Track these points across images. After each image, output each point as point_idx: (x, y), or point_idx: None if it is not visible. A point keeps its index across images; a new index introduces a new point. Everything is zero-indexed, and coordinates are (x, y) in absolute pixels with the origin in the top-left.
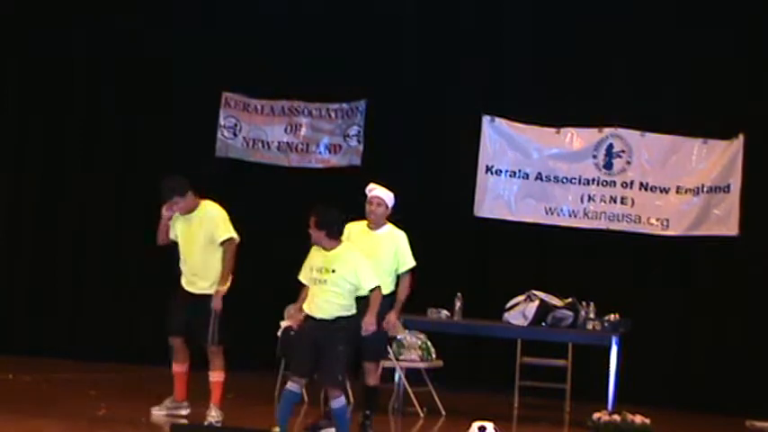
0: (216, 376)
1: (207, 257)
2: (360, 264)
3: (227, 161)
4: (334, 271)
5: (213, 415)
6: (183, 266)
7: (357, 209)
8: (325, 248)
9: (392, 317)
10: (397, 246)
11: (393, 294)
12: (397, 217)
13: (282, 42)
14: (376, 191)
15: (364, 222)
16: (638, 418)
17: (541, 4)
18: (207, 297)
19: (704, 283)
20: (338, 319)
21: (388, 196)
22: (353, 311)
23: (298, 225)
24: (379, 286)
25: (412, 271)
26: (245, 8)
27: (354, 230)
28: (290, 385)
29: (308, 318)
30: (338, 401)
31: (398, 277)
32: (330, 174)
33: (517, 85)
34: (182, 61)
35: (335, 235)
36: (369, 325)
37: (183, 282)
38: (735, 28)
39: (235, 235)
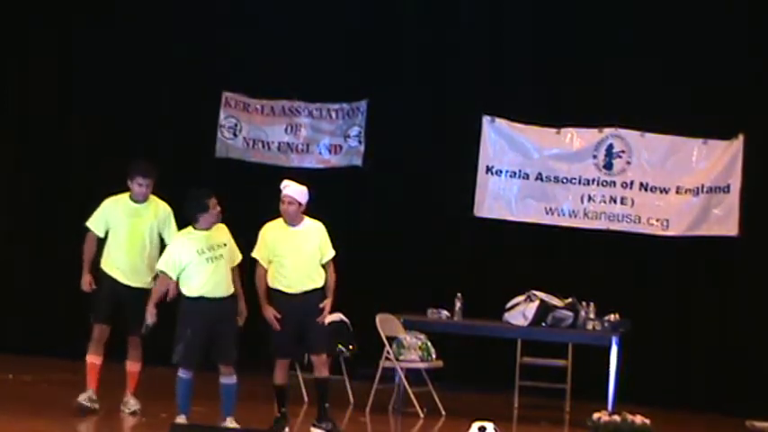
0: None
1: None
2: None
3: (227, 161)
4: (225, 245)
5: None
6: None
7: (358, 209)
8: (210, 228)
9: (327, 305)
10: (319, 238)
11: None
12: (398, 217)
13: (283, 42)
14: (287, 189)
15: (280, 220)
16: (638, 418)
17: (541, 4)
18: None
19: (704, 283)
20: (232, 295)
21: (299, 193)
22: None
23: None
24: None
25: (333, 260)
26: (245, 8)
27: (273, 228)
28: (185, 374)
29: (202, 299)
30: (233, 378)
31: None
32: (331, 174)
33: (517, 85)
34: (182, 61)
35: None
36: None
37: None
38: (735, 27)
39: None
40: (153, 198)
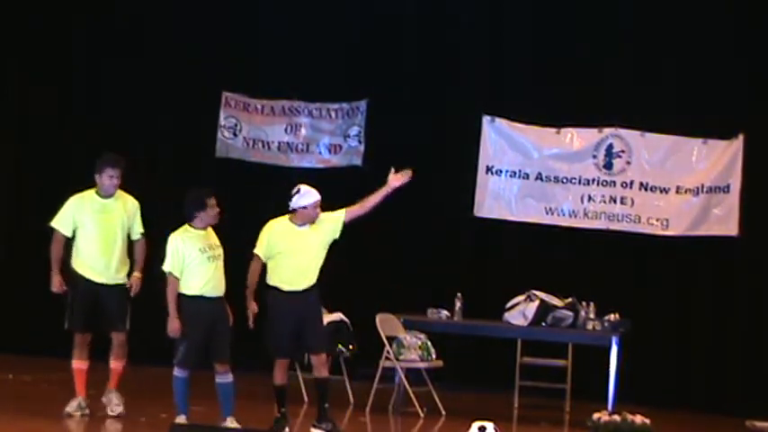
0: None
1: None
2: None
3: (227, 161)
4: (220, 245)
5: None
6: None
7: None
8: (205, 228)
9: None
10: (324, 229)
11: (318, 284)
12: (398, 217)
13: (283, 42)
14: (315, 194)
15: (286, 218)
16: (638, 418)
17: (541, 4)
18: None
19: (704, 283)
20: (223, 295)
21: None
22: None
23: None
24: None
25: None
26: (245, 8)
27: (279, 227)
28: (181, 373)
29: (201, 299)
30: (229, 376)
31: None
32: (330, 174)
33: (517, 85)
34: (182, 61)
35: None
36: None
37: None
38: (735, 27)
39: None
40: (120, 192)
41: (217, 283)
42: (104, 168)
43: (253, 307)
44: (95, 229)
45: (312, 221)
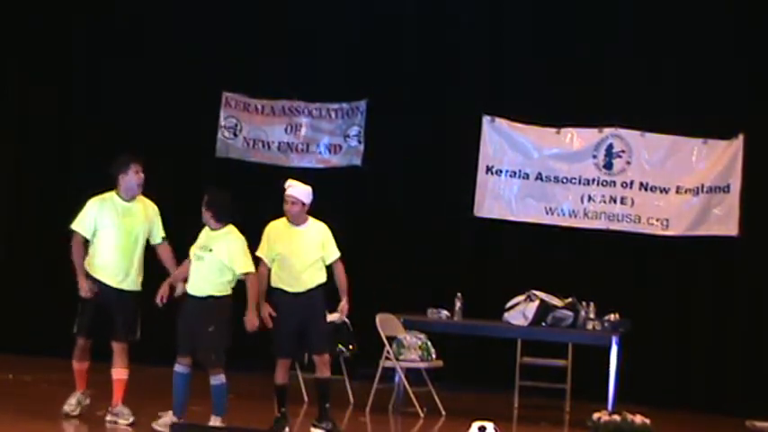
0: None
1: None
2: (236, 246)
3: (227, 161)
4: (211, 250)
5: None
6: None
7: (358, 209)
8: (210, 228)
9: (344, 305)
10: (321, 238)
11: (325, 285)
12: (398, 217)
13: (283, 42)
14: (291, 189)
15: (284, 219)
16: (638, 418)
17: (541, 4)
18: None
19: (704, 283)
20: (209, 297)
21: (303, 193)
22: (227, 293)
23: None
24: (252, 273)
25: (341, 259)
26: (245, 8)
27: (276, 227)
28: (177, 367)
29: (186, 296)
30: (217, 379)
31: (329, 268)
32: (330, 174)
33: (517, 85)
34: (182, 61)
35: (221, 217)
36: (249, 322)
37: None
38: (735, 27)
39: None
40: (140, 196)
41: (195, 283)
42: (129, 165)
43: (265, 311)
44: (116, 233)
45: (296, 220)
